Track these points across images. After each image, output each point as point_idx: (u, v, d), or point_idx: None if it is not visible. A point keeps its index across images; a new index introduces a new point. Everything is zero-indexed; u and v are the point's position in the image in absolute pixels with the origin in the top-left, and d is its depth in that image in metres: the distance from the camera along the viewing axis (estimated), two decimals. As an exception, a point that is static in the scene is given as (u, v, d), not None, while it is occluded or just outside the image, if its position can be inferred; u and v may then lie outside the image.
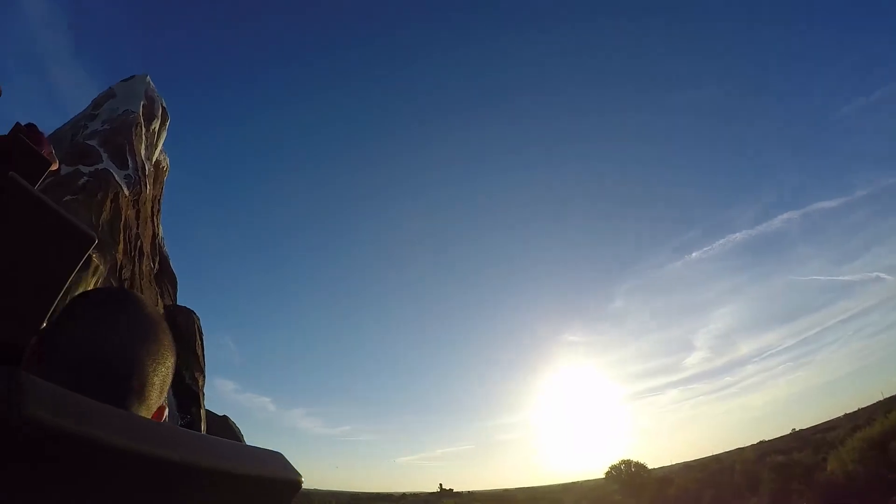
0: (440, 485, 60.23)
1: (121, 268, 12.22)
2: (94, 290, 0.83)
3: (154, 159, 14.92)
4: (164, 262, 15.31)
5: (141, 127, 14.25)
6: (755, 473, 32.42)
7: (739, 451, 38.15)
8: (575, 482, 55.05)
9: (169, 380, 0.79)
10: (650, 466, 41.80)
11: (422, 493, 58.47)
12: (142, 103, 14.54)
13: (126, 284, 12.23)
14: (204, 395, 13.51)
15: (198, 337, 14.01)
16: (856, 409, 37.87)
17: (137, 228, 13.33)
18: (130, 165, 13.51)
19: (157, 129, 15.11)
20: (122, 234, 12.54)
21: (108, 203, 12.38)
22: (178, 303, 15.77)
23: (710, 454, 42.33)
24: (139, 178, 13.62)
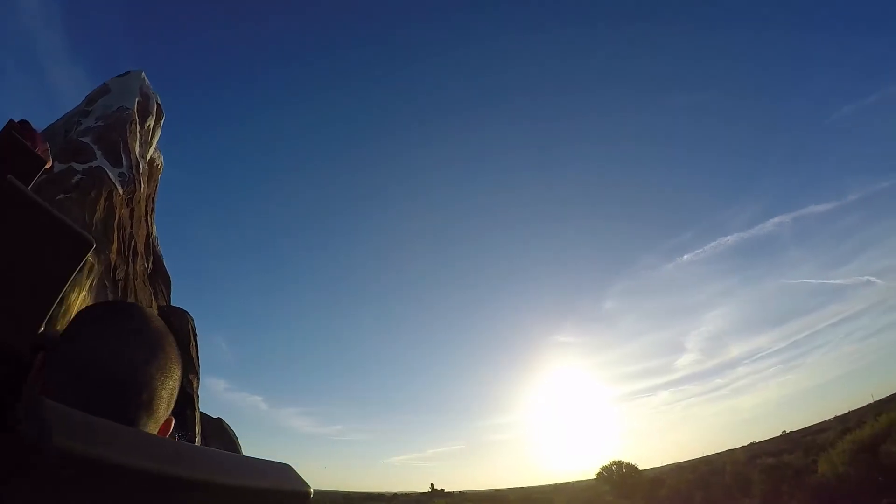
0: (431, 485, 60.27)
1: (115, 268, 11.98)
2: (101, 303, 0.83)
3: (148, 157, 14.65)
4: (157, 261, 15.04)
5: (135, 124, 13.99)
6: (746, 475, 32.60)
7: (730, 453, 38.41)
8: (566, 483, 55.23)
9: (176, 392, 0.79)
10: (641, 467, 41.97)
11: (413, 493, 58.40)
12: (136, 100, 14.26)
13: (120, 285, 11.98)
14: (198, 397, 13.29)
15: (192, 338, 13.77)
16: (846, 411, 38.28)
17: (131, 228, 13.08)
18: (125, 163, 13.26)
19: (151, 126, 14.83)
20: (115, 234, 12.29)
21: (102, 202, 12.13)
22: (170, 302, 15.50)
23: (701, 455, 42.64)
24: (133, 176, 13.37)
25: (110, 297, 11.30)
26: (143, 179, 13.73)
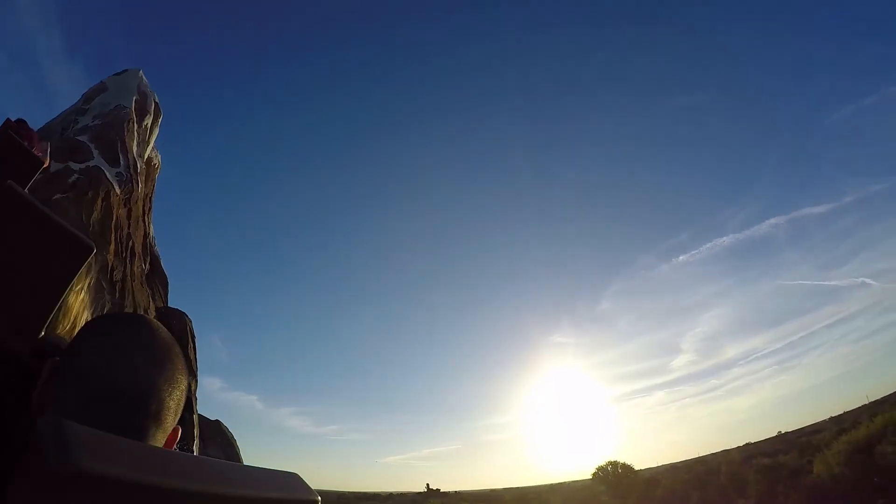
0: (427, 485, 60.26)
1: (112, 269, 11.81)
2: (109, 315, 0.84)
3: (146, 156, 14.48)
4: (155, 262, 14.88)
5: (133, 123, 13.81)
6: (741, 475, 32.71)
7: (725, 453, 38.54)
8: (562, 483, 55.35)
9: (183, 402, 0.80)
10: (637, 468, 42.04)
11: (409, 493, 58.34)
12: (134, 98, 14.09)
13: (118, 286, 11.82)
14: (197, 399, 13.15)
15: (190, 340, 13.64)
16: (841, 412, 38.49)
17: (129, 228, 12.91)
18: (122, 163, 13.08)
19: (149, 125, 14.66)
20: (113, 235, 12.12)
21: (100, 202, 11.96)
22: (168, 303, 15.34)
23: (697, 456, 42.77)
24: (131, 176, 13.20)
25: (108, 298, 11.14)
26: (141, 179, 13.55)
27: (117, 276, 11.99)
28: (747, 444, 41.95)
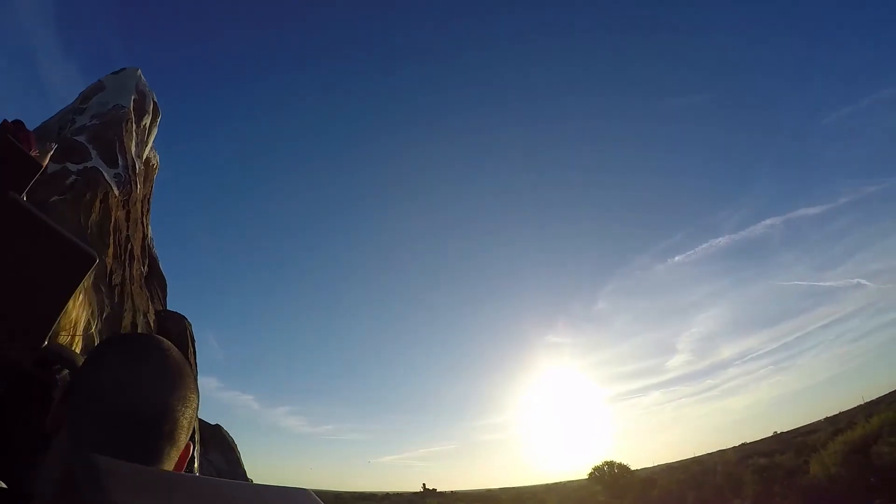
0: (423, 485, 60.04)
1: (111, 272, 11.58)
2: (121, 336, 0.85)
3: (144, 157, 14.23)
4: (153, 264, 14.64)
5: (131, 123, 13.56)
6: (737, 475, 32.82)
7: (721, 453, 38.70)
8: (558, 483, 55.39)
9: (195, 419, 0.81)
10: (633, 468, 42.15)
11: (405, 493, 58.17)
12: (133, 98, 13.84)
13: (117, 290, 11.59)
14: (197, 404, 12.92)
15: (190, 345, 13.42)
16: (836, 412, 38.73)
17: (128, 230, 12.67)
18: (120, 164, 12.83)
19: (147, 125, 14.41)
20: (111, 237, 11.88)
21: (98, 204, 11.71)
22: (166, 306, 15.11)
23: (692, 456, 42.90)
24: (129, 177, 12.95)
25: (107, 302, 10.92)
26: (140, 180, 13.31)
27: (116, 279, 11.76)
28: (743, 444, 42.19)
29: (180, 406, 0.77)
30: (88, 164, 12.06)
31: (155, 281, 14.34)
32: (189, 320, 13.92)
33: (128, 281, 12.01)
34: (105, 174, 12.19)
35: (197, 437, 12.44)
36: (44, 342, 0.92)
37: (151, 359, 0.78)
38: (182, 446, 0.78)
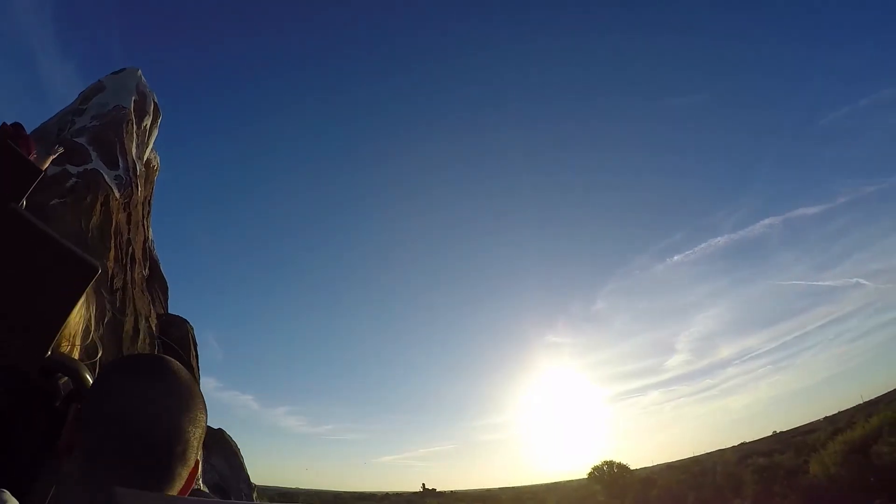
0: (423, 484, 59.93)
1: (112, 276, 11.40)
2: (131, 358, 0.86)
3: (145, 158, 14.03)
4: (154, 266, 14.43)
5: (132, 124, 13.35)
6: (737, 475, 32.80)
7: (720, 453, 38.75)
8: (558, 482, 55.36)
9: (203, 436, 0.82)
10: (632, 467, 42.17)
11: (405, 493, 58.03)
12: (133, 98, 13.61)
13: (118, 295, 11.42)
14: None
15: (192, 349, 13.23)
16: (835, 412, 38.80)
17: (129, 233, 12.48)
18: (121, 165, 12.64)
19: (148, 126, 14.19)
20: (112, 241, 11.70)
21: (98, 206, 11.53)
22: (168, 309, 14.92)
23: (692, 455, 42.94)
24: (130, 179, 12.76)
25: (108, 307, 10.76)
26: (141, 182, 13.13)
27: (118, 283, 11.57)
28: (742, 444, 42.24)
29: (192, 427, 0.79)
30: (89, 167, 11.85)
31: (156, 284, 14.14)
32: (191, 323, 13.78)
33: (129, 285, 11.82)
34: (106, 176, 11.99)
35: (200, 442, 12.27)
36: (47, 352, 0.93)
37: (163, 381, 0.80)
38: (191, 465, 0.80)
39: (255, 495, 13.96)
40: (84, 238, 11.28)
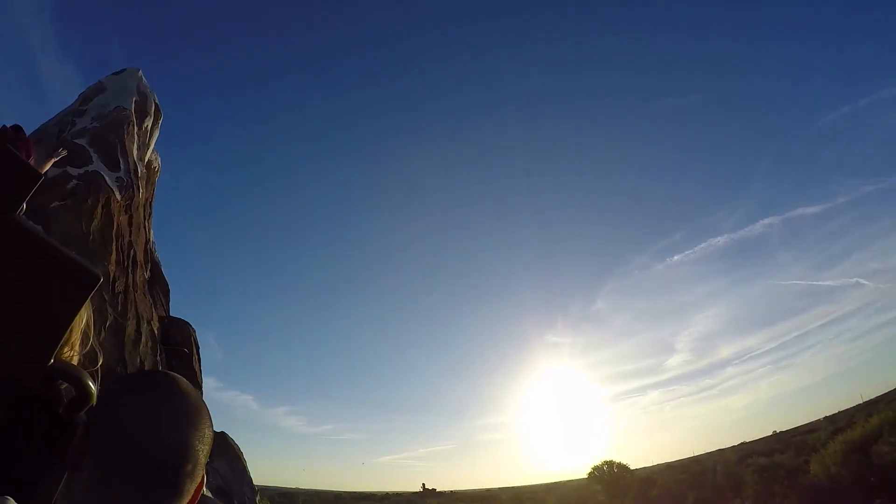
0: (423, 484, 59.90)
1: (114, 280, 11.29)
2: (137, 376, 0.88)
3: (146, 160, 13.91)
4: (155, 268, 14.33)
5: (133, 125, 13.23)
6: (738, 475, 32.83)
7: (720, 453, 38.78)
8: (558, 482, 55.42)
9: (210, 451, 0.84)
10: (632, 467, 42.17)
11: (405, 493, 57.99)
12: (134, 99, 13.50)
13: (120, 298, 11.30)
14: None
15: (195, 352, 13.14)
16: (835, 411, 38.88)
17: (130, 236, 12.36)
18: (122, 167, 12.52)
19: (149, 127, 14.07)
20: (114, 244, 11.58)
21: (100, 209, 11.41)
22: (169, 311, 14.81)
23: (691, 455, 42.98)
24: (132, 180, 12.64)
25: (110, 311, 10.65)
26: (142, 184, 13.01)
27: (119, 287, 11.46)
28: (742, 444, 42.28)
29: (200, 444, 0.80)
30: (89, 168, 11.73)
31: (157, 286, 14.04)
32: (192, 326, 13.66)
33: (131, 288, 11.71)
34: (107, 178, 11.87)
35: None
36: (50, 360, 0.94)
37: (171, 401, 0.80)
38: (198, 479, 0.81)
39: (257, 499, 13.87)
40: (85, 241, 11.16)
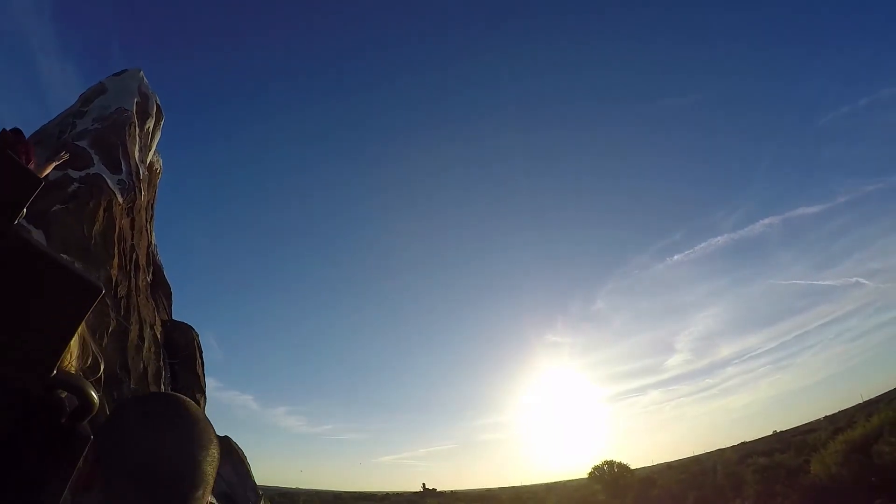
0: (423, 484, 59.83)
1: (116, 284, 11.14)
2: (143, 399, 0.88)
3: (148, 161, 13.74)
4: (157, 271, 14.17)
5: (135, 126, 13.07)
6: (738, 475, 32.85)
7: (720, 452, 38.79)
8: (558, 482, 55.38)
9: (217, 469, 0.84)
10: (632, 467, 42.17)
11: (405, 493, 57.90)
12: (135, 100, 13.33)
13: (122, 303, 11.16)
14: (204, 418, 12.51)
15: (198, 356, 13.01)
16: (835, 411, 38.92)
17: (132, 239, 12.20)
18: (124, 169, 12.36)
19: (151, 128, 13.91)
20: (116, 247, 11.43)
21: (101, 212, 11.26)
22: (172, 315, 14.65)
23: (692, 455, 42.99)
24: (133, 183, 12.49)
25: (112, 316, 10.50)
26: (144, 186, 12.85)
27: (122, 291, 11.31)
28: (742, 444, 42.30)
29: (209, 468, 0.80)
30: (91, 171, 11.58)
31: (160, 290, 13.88)
32: (195, 330, 13.51)
33: (133, 292, 11.57)
34: (108, 181, 11.72)
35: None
36: (52, 372, 0.94)
37: (180, 428, 0.80)
38: (206, 498, 0.81)
39: (261, 503, 13.76)
40: (87, 245, 11.00)
